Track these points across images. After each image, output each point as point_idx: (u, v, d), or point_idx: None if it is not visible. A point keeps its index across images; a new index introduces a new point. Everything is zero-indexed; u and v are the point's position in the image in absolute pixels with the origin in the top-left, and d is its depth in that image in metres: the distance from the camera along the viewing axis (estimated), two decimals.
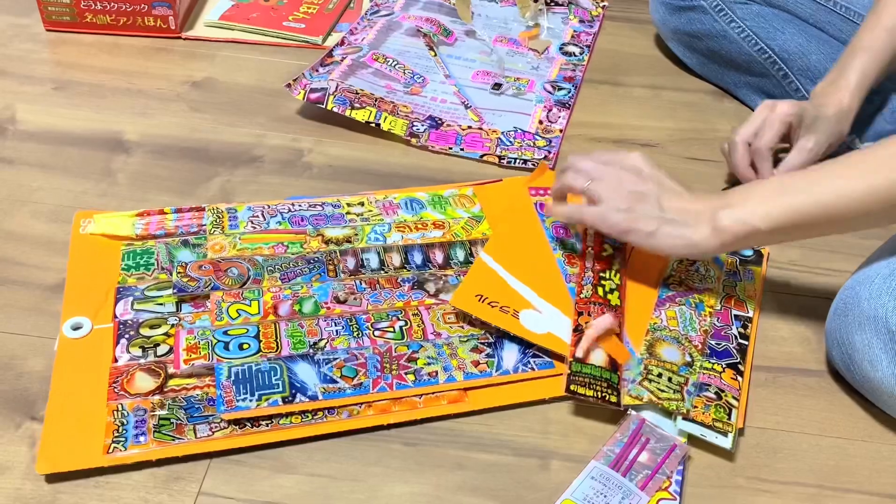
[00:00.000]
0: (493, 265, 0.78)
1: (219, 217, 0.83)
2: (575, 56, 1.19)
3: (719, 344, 0.74)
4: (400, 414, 0.67)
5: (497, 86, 1.10)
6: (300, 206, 0.86)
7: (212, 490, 0.62)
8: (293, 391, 0.67)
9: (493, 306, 0.74)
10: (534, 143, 1.00)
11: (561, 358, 0.72)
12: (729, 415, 0.68)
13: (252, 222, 0.83)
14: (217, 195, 0.89)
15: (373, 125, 0.99)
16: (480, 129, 1.02)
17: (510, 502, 0.63)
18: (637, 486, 0.63)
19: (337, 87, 1.01)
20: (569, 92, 1.11)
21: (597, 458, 0.65)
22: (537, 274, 0.78)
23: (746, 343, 0.75)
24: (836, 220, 0.68)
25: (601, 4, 1.32)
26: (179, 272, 0.76)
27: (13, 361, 0.70)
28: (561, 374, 0.70)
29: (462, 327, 0.74)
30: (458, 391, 0.69)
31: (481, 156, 0.98)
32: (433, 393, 0.69)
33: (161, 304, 0.74)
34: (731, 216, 0.70)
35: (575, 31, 1.25)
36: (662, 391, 0.68)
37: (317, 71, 1.05)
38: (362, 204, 0.87)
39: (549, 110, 1.06)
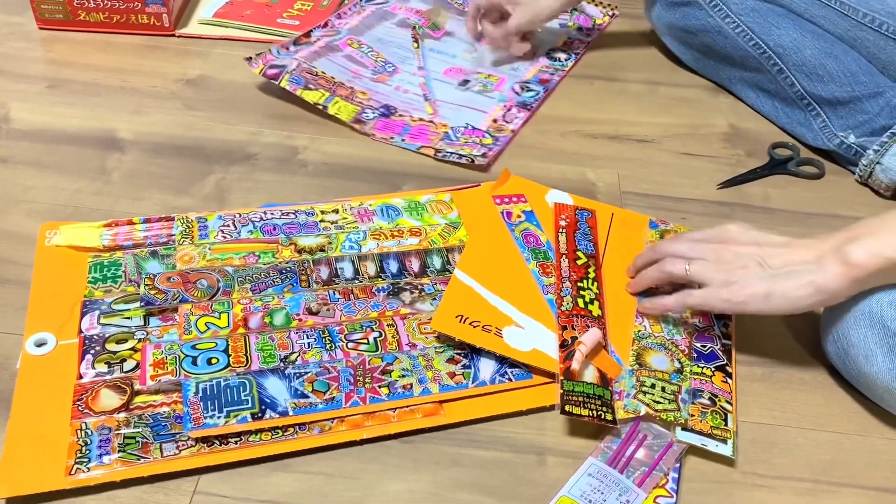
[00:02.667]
0: (469, 282, 0.76)
1: (188, 227, 0.82)
2: (559, 61, 1.17)
3: (704, 346, 0.73)
4: (373, 429, 0.65)
5: (465, 81, 1.09)
6: (272, 214, 0.84)
7: (207, 489, 0.62)
8: (263, 407, 0.65)
9: (474, 326, 0.72)
10: (479, 141, 0.98)
11: (546, 374, 0.70)
12: (725, 420, 0.67)
13: (223, 232, 0.81)
14: (212, 193, 0.89)
15: (320, 107, 1.00)
16: (431, 121, 1.01)
17: (507, 499, 0.63)
18: (634, 482, 0.63)
19: (297, 67, 1.00)
20: (536, 94, 1.08)
21: (594, 454, 0.65)
22: (515, 288, 0.76)
23: (730, 342, 0.74)
24: None
25: (610, 13, 1.28)
26: (147, 284, 0.74)
27: (8, 361, 0.69)
28: (539, 385, 0.70)
29: (438, 338, 0.73)
30: (433, 404, 0.68)
31: (418, 147, 0.97)
32: (408, 406, 0.67)
33: (128, 318, 0.72)
34: (864, 250, 0.63)
35: (570, 37, 1.22)
36: (658, 402, 0.68)
37: (287, 49, 1.05)
38: (336, 211, 0.85)
39: (508, 110, 1.05)
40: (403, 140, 0.98)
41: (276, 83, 1.00)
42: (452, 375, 0.70)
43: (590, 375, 0.69)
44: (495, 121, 1.03)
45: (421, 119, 1.01)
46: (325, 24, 1.14)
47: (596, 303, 0.76)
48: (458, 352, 0.72)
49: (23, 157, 0.93)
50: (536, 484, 0.64)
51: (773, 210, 0.93)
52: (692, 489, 0.65)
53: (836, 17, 1.01)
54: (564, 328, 0.72)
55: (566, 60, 1.17)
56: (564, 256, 0.80)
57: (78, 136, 0.97)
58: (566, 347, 0.71)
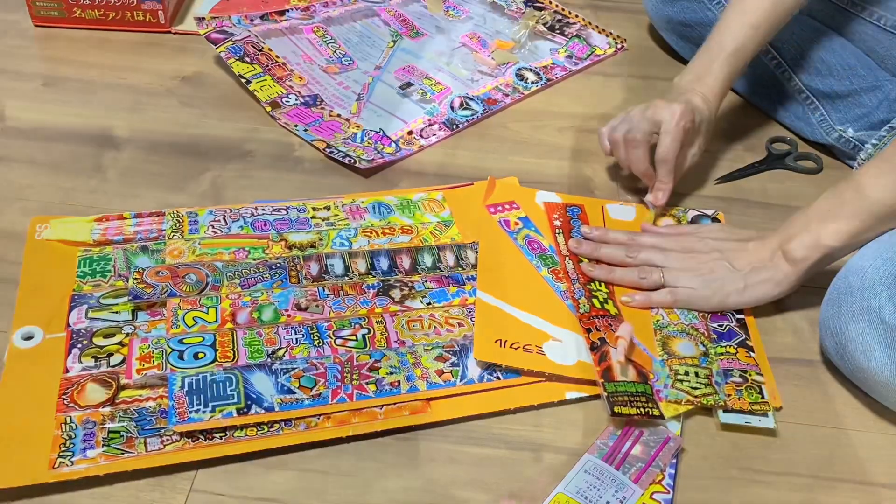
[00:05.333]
0: (495, 302, 0.75)
1: (179, 222, 0.81)
2: (525, 81, 1.07)
3: (721, 325, 0.74)
4: (359, 426, 0.65)
5: (407, 85, 1.05)
6: (264, 210, 0.84)
7: (204, 487, 0.62)
8: (248, 402, 0.65)
9: (515, 349, 0.71)
10: (380, 148, 0.94)
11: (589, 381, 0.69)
12: (761, 393, 0.68)
13: (213, 227, 0.81)
14: (208, 190, 0.89)
15: (243, 81, 1.00)
16: (347, 120, 0.98)
17: (503, 496, 0.63)
18: (631, 479, 0.62)
19: (244, 38, 0.99)
20: (473, 114, 1.01)
21: (590, 451, 0.65)
22: (537, 300, 0.76)
23: (743, 317, 0.76)
24: None
25: (618, 45, 1.17)
26: (136, 278, 0.74)
27: (0, 359, 0.69)
28: (528, 384, 0.69)
29: (427, 335, 0.72)
30: (420, 402, 0.67)
31: (312, 140, 0.95)
32: (395, 404, 0.67)
33: (116, 313, 0.72)
34: (803, 246, 0.73)
35: (554, 62, 1.12)
36: (696, 388, 0.68)
37: (250, 21, 1.04)
38: (328, 208, 0.85)
39: (430, 125, 0.99)
40: (306, 131, 0.96)
41: (214, 48, 0.99)
42: (441, 373, 0.69)
43: (628, 373, 0.69)
44: (410, 132, 0.97)
45: (339, 115, 0.98)
46: (307, 9, 1.12)
47: (610, 302, 0.76)
48: (447, 349, 0.71)
49: (18, 155, 0.92)
50: (533, 481, 0.64)
51: (771, 205, 0.93)
52: (689, 485, 0.64)
53: (834, 10, 1.00)
54: (589, 331, 0.72)
55: (532, 83, 1.07)
56: (568, 258, 0.80)
57: (73, 133, 0.96)
58: (597, 350, 0.70)
